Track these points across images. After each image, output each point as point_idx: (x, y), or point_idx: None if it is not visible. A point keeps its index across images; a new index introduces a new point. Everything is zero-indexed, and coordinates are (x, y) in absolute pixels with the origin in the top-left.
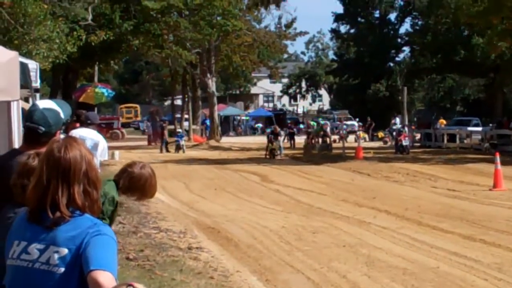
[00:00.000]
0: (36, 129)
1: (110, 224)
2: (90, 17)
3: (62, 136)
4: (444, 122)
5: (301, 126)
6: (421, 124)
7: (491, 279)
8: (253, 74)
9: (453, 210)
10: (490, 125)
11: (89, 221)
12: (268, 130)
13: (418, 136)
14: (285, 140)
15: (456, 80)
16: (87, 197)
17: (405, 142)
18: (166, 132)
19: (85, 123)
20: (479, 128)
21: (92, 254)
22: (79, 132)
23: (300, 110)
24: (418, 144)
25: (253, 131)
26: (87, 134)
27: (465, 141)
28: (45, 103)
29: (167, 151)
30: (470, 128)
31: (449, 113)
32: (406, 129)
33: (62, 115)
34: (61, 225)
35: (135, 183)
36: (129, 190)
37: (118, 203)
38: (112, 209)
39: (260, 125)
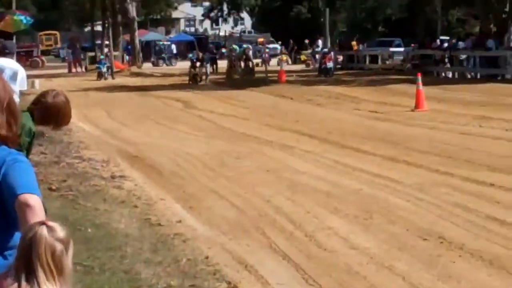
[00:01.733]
0: None
1: (27, 156)
2: None
3: None
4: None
5: (223, 50)
6: (343, 46)
7: (413, 200)
8: None
9: (375, 132)
10: (412, 45)
11: (5, 151)
12: (190, 56)
13: (340, 58)
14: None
15: (378, 0)
16: (9, 129)
17: (330, 64)
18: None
19: (2, 53)
20: (401, 49)
21: (16, 180)
22: None
23: (222, 33)
24: (340, 66)
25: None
26: (5, 64)
27: (387, 62)
28: None
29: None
30: (392, 49)
31: (371, 34)
32: (332, 52)
33: None
34: None
35: (49, 113)
36: (44, 120)
37: (35, 134)
38: (29, 140)
39: (173, 46)
